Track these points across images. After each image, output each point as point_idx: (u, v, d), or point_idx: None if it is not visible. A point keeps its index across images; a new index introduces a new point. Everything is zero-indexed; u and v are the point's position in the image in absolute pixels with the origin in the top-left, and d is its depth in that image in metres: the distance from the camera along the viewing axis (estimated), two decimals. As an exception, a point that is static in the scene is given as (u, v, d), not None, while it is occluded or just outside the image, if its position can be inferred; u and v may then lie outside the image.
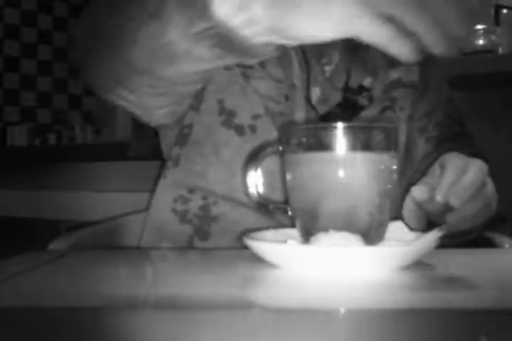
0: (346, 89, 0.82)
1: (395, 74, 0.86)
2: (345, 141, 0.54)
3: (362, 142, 0.55)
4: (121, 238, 0.96)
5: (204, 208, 0.80)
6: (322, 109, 0.81)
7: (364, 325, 0.37)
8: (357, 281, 0.49)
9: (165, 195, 0.83)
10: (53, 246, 0.80)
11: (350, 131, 0.54)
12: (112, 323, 0.39)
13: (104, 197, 1.77)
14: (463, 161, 0.68)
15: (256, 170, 0.61)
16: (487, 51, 1.68)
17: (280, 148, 0.60)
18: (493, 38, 1.70)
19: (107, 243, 0.93)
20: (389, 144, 0.56)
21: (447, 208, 0.66)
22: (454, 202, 0.65)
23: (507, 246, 0.78)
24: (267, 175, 0.66)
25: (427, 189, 0.66)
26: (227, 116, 0.79)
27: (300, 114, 0.79)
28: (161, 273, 0.58)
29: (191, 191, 0.81)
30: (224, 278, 0.53)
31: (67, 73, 3.87)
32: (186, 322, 0.38)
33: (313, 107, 0.81)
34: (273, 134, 0.78)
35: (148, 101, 0.78)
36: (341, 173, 0.54)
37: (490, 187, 0.71)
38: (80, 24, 0.76)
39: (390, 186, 0.56)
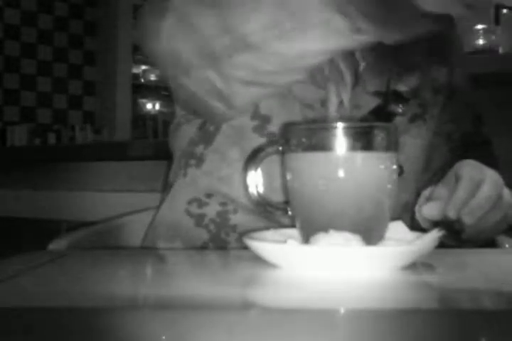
0: (386, 95, 0.78)
1: (443, 76, 0.82)
2: (345, 141, 0.54)
3: (362, 142, 0.55)
4: (121, 238, 0.96)
5: (221, 214, 0.78)
6: (353, 115, 0.78)
7: (364, 324, 0.37)
8: (357, 281, 0.49)
9: (181, 194, 0.81)
10: (53, 246, 0.80)
11: (350, 130, 0.54)
12: (112, 323, 0.39)
13: (104, 197, 1.77)
14: (478, 173, 0.66)
15: (256, 170, 0.61)
16: (487, 51, 1.68)
17: (280, 148, 0.60)
18: (493, 38, 1.70)
19: (107, 243, 0.93)
20: (389, 144, 0.56)
21: (461, 223, 0.65)
22: (467, 220, 0.64)
23: (507, 246, 0.78)
24: (266, 176, 0.67)
25: (437, 206, 0.65)
26: (261, 122, 0.76)
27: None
28: (160, 273, 0.58)
29: (209, 195, 0.79)
30: (224, 278, 0.53)
31: (67, 73, 3.87)
32: (186, 322, 0.38)
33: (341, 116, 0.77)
34: None
35: (234, 90, 0.71)
36: (341, 173, 0.54)
37: (507, 197, 0.69)
38: None
39: (389, 186, 0.56)
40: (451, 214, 0.63)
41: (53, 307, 0.41)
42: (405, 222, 0.63)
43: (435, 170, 0.84)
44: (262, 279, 0.53)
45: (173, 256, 0.72)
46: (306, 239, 0.56)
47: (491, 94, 1.73)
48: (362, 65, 0.78)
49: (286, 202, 0.61)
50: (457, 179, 0.67)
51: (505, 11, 1.78)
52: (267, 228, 0.71)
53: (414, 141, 0.80)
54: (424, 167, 0.83)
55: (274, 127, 0.75)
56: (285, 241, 0.55)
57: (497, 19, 1.80)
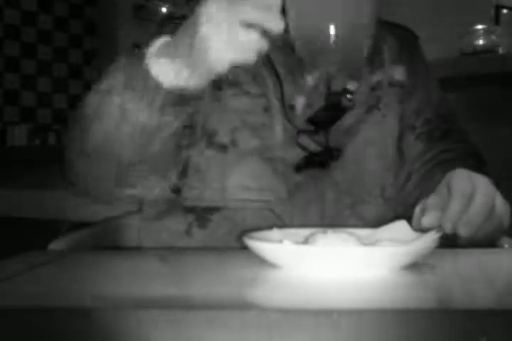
0: (329, 92, 0.86)
1: (376, 77, 0.90)
2: None
3: None
4: (120, 238, 0.96)
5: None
6: (308, 114, 0.85)
7: (364, 324, 0.37)
8: (356, 281, 0.49)
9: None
10: (53, 246, 0.80)
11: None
12: (112, 323, 0.39)
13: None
14: (469, 185, 0.67)
15: None
16: (487, 51, 1.68)
17: None
18: (493, 37, 1.70)
19: (107, 243, 0.93)
20: None
21: (457, 235, 0.66)
22: (463, 232, 0.65)
23: (507, 246, 0.78)
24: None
25: (435, 216, 0.66)
26: (208, 137, 0.83)
27: (279, 127, 0.83)
28: (160, 274, 0.58)
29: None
30: (224, 278, 0.53)
31: (67, 73, 3.87)
32: (186, 322, 0.38)
33: (290, 120, 0.84)
34: (253, 144, 0.82)
35: (148, 182, 0.81)
36: None
37: (499, 206, 0.70)
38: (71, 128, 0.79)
39: None
40: (448, 229, 0.65)
41: (53, 307, 0.41)
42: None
43: (409, 162, 0.90)
44: (261, 279, 0.53)
45: (173, 256, 0.72)
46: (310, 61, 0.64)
47: (491, 94, 1.73)
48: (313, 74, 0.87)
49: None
50: (449, 190, 0.68)
51: (505, 11, 1.78)
52: (254, 212, 0.80)
53: (368, 126, 0.88)
54: (397, 159, 0.90)
55: (220, 137, 0.83)
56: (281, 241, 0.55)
57: (497, 19, 1.80)
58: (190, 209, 0.83)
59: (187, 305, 0.42)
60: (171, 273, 0.58)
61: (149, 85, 0.69)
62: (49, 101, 3.78)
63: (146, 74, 0.69)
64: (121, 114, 0.71)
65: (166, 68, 0.68)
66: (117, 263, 0.62)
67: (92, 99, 0.75)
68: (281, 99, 0.84)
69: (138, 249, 0.88)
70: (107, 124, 0.72)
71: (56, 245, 0.81)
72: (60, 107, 3.82)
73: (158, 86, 0.68)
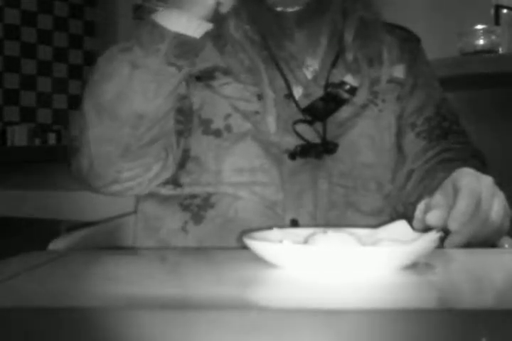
0: (328, 84, 0.88)
1: (375, 74, 0.91)
2: None
3: None
4: (120, 238, 0.96)
5: (206, 199, 0.84)
6: (305, 104, 0.86)
7: (364, 325, 0.37)
8: (357, 281, 0.49)
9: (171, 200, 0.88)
10: (53, 246, 0.80)
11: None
12: (111, 323, 0.39)
13: (103, 197, 1.77)
14: (478, 184, 0.67)
15: None
16: (487, 51, 1.68)
17: None
18: (493, 37, 1.70)
19: (107, 243, 0.93)
20: None
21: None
22: (457, 240, 0.66)
23: (507, 246, 0.78)
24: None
25: (441, 214, 0.66)
26: (205, 125, 0.86)
27: (272, 117, 0.84)
28: (160, 273, 0.58)
29: (193, 196, 0.86)
30: (224, 278, 0.53)
31: (67, 73, 3.87)
32: (186, 322, 0.38)
33: (285, 109, 0.86)
34: (246, 127, 0.83)
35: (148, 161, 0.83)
36: None
37: (497, 209, 0.69)
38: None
39: None
40: (454, 227, 0.65)
41: (53, 307, 0.41)
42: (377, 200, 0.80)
43: (410, 159, 0.91)
44: (262, 279, 0.53)
45: (172, 255, 0.72)
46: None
47: (491, 94, 1.73)
48: (312, 67, 0.89)
49: None
50: (455, 189, 0.68)
51: (505, 11, 1.78)
52: (246, 206, 0.82)
53: (364, 120, 0.89)
54: (397, 156, 0.91)
55: (215, 125, 0.85)
56: (281, 241, 0.55)
57: (497, 19, 1.80)
58: (186, 207, 0.84)
59: (186, 305, 0.42)
60: (170, 273, 0.58)
61: (155, 36, 0.75)
62: (49, 101, 3.78)
63: (151, 27, 0.76)
64: (130, 70, 0.76)
65: (167, 17, 0.75)
66: (117, 263, 0.62)
67: (102, 61, 0.81)
68: (287, 88, 0.86)
69: (137, 249, 0.88)
70: (118, 81, 0.77)
71: (56, 245, 0.81)
72: (60, 107, 3.82)
73: (162, 34, 0.75)
